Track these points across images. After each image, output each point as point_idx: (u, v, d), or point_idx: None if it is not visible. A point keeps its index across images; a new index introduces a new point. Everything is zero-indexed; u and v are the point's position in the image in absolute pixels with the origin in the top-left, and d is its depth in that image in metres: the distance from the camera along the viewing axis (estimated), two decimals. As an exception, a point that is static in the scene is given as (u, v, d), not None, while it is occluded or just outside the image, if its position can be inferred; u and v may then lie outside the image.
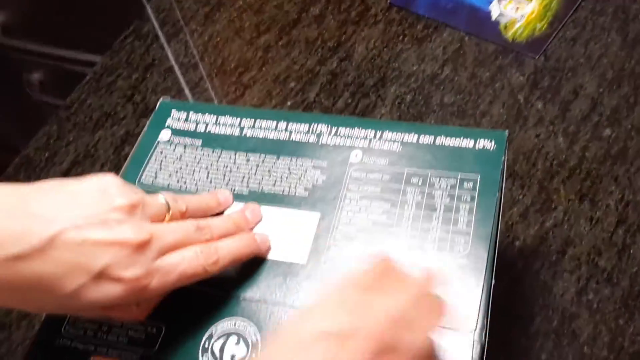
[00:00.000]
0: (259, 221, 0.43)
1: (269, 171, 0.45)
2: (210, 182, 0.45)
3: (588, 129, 0.59)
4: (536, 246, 0.52)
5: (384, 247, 0.40)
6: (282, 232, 0.42)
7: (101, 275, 0.34)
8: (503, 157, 0.42)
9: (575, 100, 0.61)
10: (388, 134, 0.45)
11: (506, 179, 0.56)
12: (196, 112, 0.49)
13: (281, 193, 0.44)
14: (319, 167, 0.44)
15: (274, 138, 0.47)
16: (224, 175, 0.45)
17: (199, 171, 0.46)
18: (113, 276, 0.34)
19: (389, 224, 0.41)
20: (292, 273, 0.40)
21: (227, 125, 0.48)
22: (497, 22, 0.68)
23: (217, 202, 0.44)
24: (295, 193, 0.44)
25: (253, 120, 0.48)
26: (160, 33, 0.75)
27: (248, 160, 0.46)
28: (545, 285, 0.50)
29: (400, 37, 0.69)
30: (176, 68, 0.72)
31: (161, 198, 0.40)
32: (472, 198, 0.41)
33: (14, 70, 1.05)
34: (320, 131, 0.46)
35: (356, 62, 0.68)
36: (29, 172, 0.66)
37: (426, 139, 0.44)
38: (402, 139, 0.45)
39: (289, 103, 0.65)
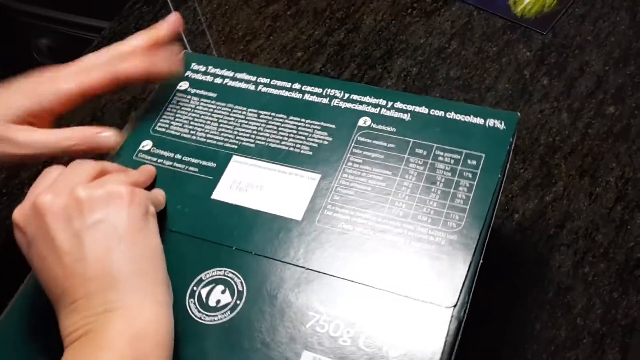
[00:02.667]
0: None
1: (277, 128, 0.46)
2: (220, 134, 0.46)
3: (592, 106, 0.59)
4: (535, 220, 0.53)
5: (378, 212, 0.41)
6: (282, 189, 0.43)
7: None
8: (511, 139, 0.42)
9: (581, 77, 0.61)
10: (399, 104, 0.45)
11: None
12: (215, 66, 0.50)
13: (286, 149, 0.45)
14: (327, 128, 0.45)
15: (287, 96, 0.47)
16: (234, 128, 0.46)
17: (210, 123, 0.47)
18: None
19: (387, 191, 0.41)
20: (286, 228, 0.41)
21: (243, 81, 0.49)
22: (506, -2, 0.68)
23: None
24: (300, 151, 0.44)
25: (269, 79, 0.49)
26: (168, 0, 0.75)
27: (259, 116, 0.47)
28: (542, 257, 0.51)
29: (409, 10, 0.69)
30: (183, 35, 0.72)
31: None
32: (474, 175, 0.41)
33: (22, 35, 1.05)
34: (333, 94, 0.47)
35: (364, 33, 0.68)
36: (37, 134, 0.67)
37: (436, 113, 0.44)
38: (413, 110, 0.45)
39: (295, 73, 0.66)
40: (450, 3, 0.69)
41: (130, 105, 0.66)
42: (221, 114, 0.47)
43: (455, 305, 0.37)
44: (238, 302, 0.39)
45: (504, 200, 0.54)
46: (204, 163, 0.45)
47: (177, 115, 0.48)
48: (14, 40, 1.06)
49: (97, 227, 0.36)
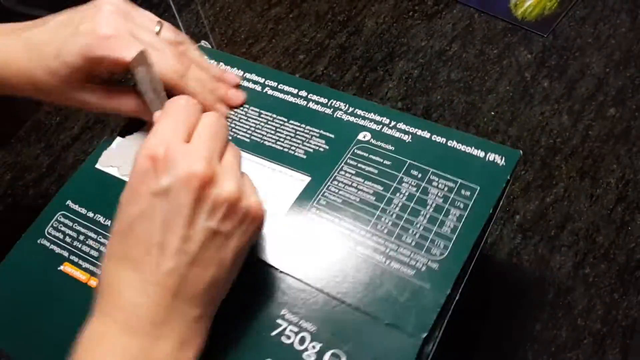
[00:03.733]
0: (238, 104, 0.47)
1: (275, 129, 0.46)
2: None
3: (593, 108, 0.59)
4: (536, 221, 0.53)
5: (363, 225, 0.40)
6: (269, 184, 0.42)
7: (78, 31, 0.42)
8: (509, 176, 0.41)
9: (582, 79, 0.61)
10: (401, 125, 0.45)
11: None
12: (227, 63, 0.51)
13: (280, 149, 0.44)
14: (325, 137, 0.45)
15: (292, 102, 0.48)
16: (232, 121, 0.47)
17: None
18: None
19: (375, 206, 0.40)
20: (266, 223, 0.39)
21: (251, 81, 0.50)
22: (507, 0, 0.68)
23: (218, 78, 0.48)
24: (294, 153, 0.44)
25: (277, 82, 0.49)
26: (171, 3, 0.76)
27: (259, 114, 0.47)
28: (542, 258, 0.51)
29: (410, 13, 0.70)
30: (187, 38, 0.72)
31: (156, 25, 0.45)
32: (466, 206, 0.40)
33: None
34: (338, 106, 0.47)
35: (365, 36, 0.69)
36: (40, 136, 0.67)
37: (438, 139, 0.44)
38: (415, 133, 0.44)
39: (297, 75, 0.66)
40: (452, 6, 0.69)
41: (133, 107, 0.67)
42: None
43: (424, 337, 0.35)
44: None
45: (505, 201, 0.54)
46: None
47: None
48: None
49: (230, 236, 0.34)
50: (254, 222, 0.36)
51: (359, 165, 0.43)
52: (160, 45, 0.43)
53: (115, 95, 0.45)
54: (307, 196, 0.41)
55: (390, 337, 0.35)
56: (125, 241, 0.34)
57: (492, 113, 0.60)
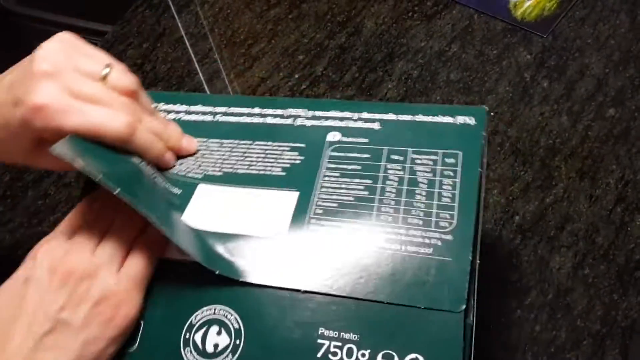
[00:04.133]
0: (190, 152, 0.44)
1: (243, 154, 0.44)
2: (182, 164, 0.44)
3: (592, 108, 0.59)
4: (535, 221, 0.53)
5: (366, 221, 0.39)
6: (259, 211, 0.40)
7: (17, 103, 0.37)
8: (484, 132, 0.42)
9: (581, 80, 0.61)
10: (365, 115, 0.44)
11: (509, 155, 0.57)
12: (167, 102, 0.48)
13: (257, 173, 0.42)
14: (296, 148, 0.43)
15: (249, 122, 0.46)
16: (196, 159, 0.44)
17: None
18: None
19: (371, 199, 0.40)
20: (271, 248, 0.39)
21: (199, 113, 0.47)
22: (506, 1, 0.68)
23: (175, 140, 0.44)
24: (271, 173, 0.42)
25: (226, 107, 0.47)
26: (171, 3, 0.76)
27: (221, 144, 0.45)
28: (542, 259, 0.51)
29: (410, 14, 0.70)
30: (186, 38, 0.72)
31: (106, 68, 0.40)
32: (455, 173, 0.40)
33: (25, 39, 1.06)
34: (296, 114, 0.45)
35: (365, 37, 0.69)
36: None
37: (405, 117, 0.44)
38: (381, 118, 0.44)
39: (296, 76, 0.66)
40: (451, 6, 0.69)
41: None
42: None
43: (464, 309, 0.35)
44: (237, 342, 0.36)
45: (504, 202, 0.54)
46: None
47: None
48: (15, 44, 1.07)
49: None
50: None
51: (340, 166, 0.42)
52: (106, 97, 0.39)
53: None
54: (301, 210, 0.40)
55: (432, 320, 0.35)
56: None
57: (492, 113, 0.60)
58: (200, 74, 0.69)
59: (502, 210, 0.54)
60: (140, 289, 0.38)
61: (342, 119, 0.44)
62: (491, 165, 0.57)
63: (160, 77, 0.69)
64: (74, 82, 0.38)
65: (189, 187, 0.42)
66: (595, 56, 0.63)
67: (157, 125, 0.42)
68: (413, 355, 0.34)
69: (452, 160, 0.41)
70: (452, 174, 0.40)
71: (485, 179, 0.55)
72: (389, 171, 0.41)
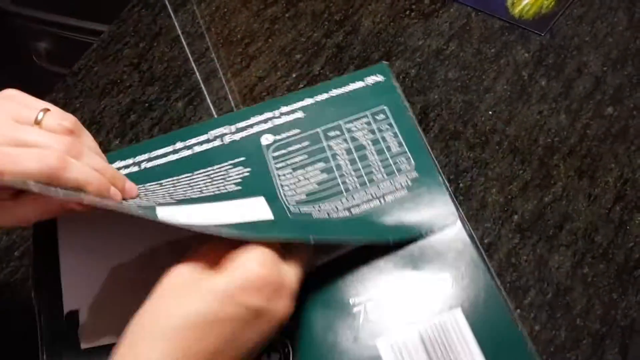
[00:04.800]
0: (132, 196, 0.40)
1: (189, 184, 0.43)
2: (127, 200, 0.41)
3: (590, 107, 0.59)
4: (534, 220, 0.53)
5: (340, 197, 0.42)
6: (240, 210, 0.40)
7: None
8: (395, 83, 0.46)
9: (579, 78, 0.61)
10: (284, 108, 0.46)
11: (507, 154, 0.57)
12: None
13: (213, 194, 0.41)
14: (239, 163, 0.44)
15: (179, 158, 0.45)
16: (141, 198, 0.42)
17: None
18: None
19: (332, 177, 0.42)
20: (264, 226, 0.38)
21: (123, 167, 0.46)
22: (504, -1, 0.68)
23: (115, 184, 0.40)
24: (227, 191, 0.42)
25: (146, 153, 0.46)
26: (167, 3, 0.75)
27: (161, 185, 0.43)
28: (541, 258, 0.51)
29: (407, 12, 0.69)
30: (182, 38, 0.72)
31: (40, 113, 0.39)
32: (390, 124, 0.44)
33: (21, 39, 1.05)
34: (221, 133, 0.46)
35: (362, 35, 0.68)
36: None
37: (322, 97, 0.46)
38: (300, 106, 0.46)
39: (294, 75, 0.66)
40: (448, 4, 0.69)
41: (128, 108, 0.67)
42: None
43: (458, 219, 0.40)
44: (287, 349, 0.37)
45: (503, 201, 0.54)
46: None
47: None
48: (12, 43, 1.07)
49: None
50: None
51: (288, 162, 0.44)
52: (40, 139, 0.38)
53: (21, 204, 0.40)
54: (277, 207, 0.40)
55: (439, 240, 0.39)
56: None
57: (490, 112, 0.60)
58: (197, 74, 0.68)
59: (500, 210, 0.54)
60: None
61: (265, 120, 0.46)
62: (489, 164, 0.56)
63: (157, 76, 0.68)
64: (7, 130, 0.38)
65: (150, 211, 0.38)
66: (594, 54, 0.62)
67: (99, 161, 0.40)
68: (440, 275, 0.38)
69: (382, 116, 0.45)
70: (388, 126, 0.44)
71: (484, 177, 0.55)
72: (334, 147, 0.44)
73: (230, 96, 0.66)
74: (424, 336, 0.36)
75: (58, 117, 0.40)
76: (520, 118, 0.59)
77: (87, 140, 0.42)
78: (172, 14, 0.74)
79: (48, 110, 0.40)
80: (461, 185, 0.55)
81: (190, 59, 0.70)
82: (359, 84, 0.46)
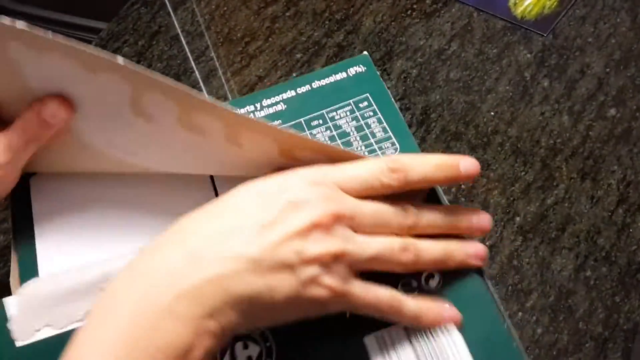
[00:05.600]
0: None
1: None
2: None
3: (593, 108, 0.59)
4: (536, 223, 0.52)
5: None
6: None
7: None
8: (377, 72, 0.46)
9: (582, 79, 0.61)
10: (266, 101, 0.46)
11: (509, 156, 0.56)
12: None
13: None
14: None
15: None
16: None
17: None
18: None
19: None
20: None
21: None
22: (506, -1, 0.68)
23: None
24: None
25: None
26: (166, 0, 0.75)
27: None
28: (543, 261, 0.50)
29: (409, 12, 0.69)
30: (182, 36, 0.71)
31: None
32: (374, 111, 0.44)
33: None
34: None
35: (363, 35, 0.68)
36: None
37: (304, 89, 0.46)
38: (282, 98, 0.46)
39: (294, 74, 0.65)
40: (450, 4, 0.68)
41: (128, 107, 0.66)
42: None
43: None
44: (268, 344, 0.34)
45: (505, 203, 0.54)
46: None
47: None
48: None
49: None
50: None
51: None
52: None
53: None
54: None
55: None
56: None
57: (492, 113, 0.59)
58: (197, 73, 0.68)
59: (502, 211, 0.53)
60: None
61: (246, 114, 0.45)
62: (491, 165, 0.56)
63: (156, 75, 0.68)
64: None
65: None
66: (596, 55, 0.62)
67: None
68: None
69: (365, 103, 0.45)
70: (371, 113, 0.44)
71: (486, 179, 0.54)
72: (317, 136, 0.44)
73: (229, 95, 0.65)
74: (410, 330, 0.35)
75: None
76: (522, 119, 0.59)
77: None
78: (171, 12, 0.74)
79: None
80: (463, 186, 0.55)
81: (190, 57, 0.69)
82: (341, 75, 0.46)
